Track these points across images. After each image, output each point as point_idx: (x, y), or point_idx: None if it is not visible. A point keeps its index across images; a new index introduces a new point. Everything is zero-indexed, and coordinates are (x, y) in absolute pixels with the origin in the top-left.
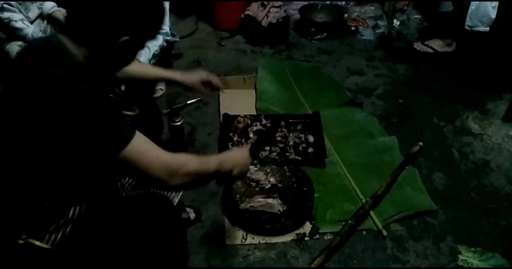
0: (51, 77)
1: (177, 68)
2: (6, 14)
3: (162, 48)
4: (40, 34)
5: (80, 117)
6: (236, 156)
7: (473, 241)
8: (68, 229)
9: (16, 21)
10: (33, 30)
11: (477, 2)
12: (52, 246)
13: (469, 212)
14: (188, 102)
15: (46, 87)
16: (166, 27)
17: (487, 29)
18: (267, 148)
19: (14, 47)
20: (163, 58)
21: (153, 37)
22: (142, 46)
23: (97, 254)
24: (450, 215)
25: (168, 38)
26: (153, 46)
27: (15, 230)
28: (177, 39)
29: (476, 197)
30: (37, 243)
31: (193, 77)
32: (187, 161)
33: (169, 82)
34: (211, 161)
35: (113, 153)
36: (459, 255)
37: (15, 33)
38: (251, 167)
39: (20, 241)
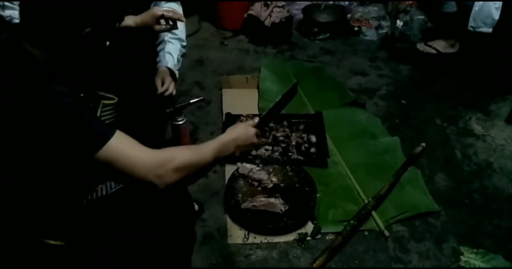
0: (17, 82)
1: (181, 68)
2: (7, 12)
3: (183, 53)
4: None
5: (50, 120)
6: (239, 137)
7: (475, 242)
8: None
9: (18, 19)
10: None
11: (481, 3)
12: (62, 242)
13: (472, 213)
14: (191, 101)
15: (13, 92)
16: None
17: (490, 30)
18: (269, 147)
19: None
20: None
21: (115, 23)
22: (107, 35)
23: (109, 243)
24: (452, 216)
25: (184, 43)
26: (175, 51)
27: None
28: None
29: (479, 199)
30: (52, 242)
31: (144, 16)
32: (175, 155)
33: (129, 30)
34: (205, 149)
35: (88, 154)
36: (461, 256)
37: None
38: (253, 166)
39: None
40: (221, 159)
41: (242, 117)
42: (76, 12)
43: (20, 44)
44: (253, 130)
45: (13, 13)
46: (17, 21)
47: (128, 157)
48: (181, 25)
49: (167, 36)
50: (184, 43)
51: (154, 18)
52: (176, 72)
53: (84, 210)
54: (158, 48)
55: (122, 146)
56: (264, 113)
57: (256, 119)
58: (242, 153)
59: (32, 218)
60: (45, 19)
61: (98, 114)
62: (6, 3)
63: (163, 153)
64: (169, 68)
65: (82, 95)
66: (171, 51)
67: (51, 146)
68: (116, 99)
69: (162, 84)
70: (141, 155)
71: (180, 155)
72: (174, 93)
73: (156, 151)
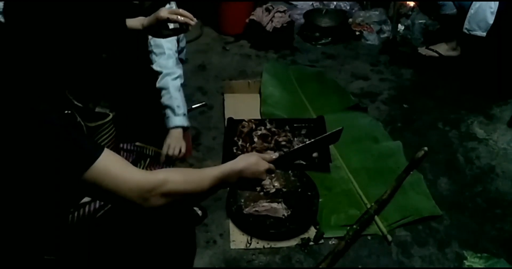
0: None
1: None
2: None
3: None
4: None
5: (34, 139)
6: (248, 169)
7: (478, 246)
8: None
9: None
10: None
11: (477, 6)
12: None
13: (475, 218)
14: (193, 106)
15: None
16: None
17: (484, 34)
18: (272, 152)
19: None
20: None
21: (92, 41)
22: (90, 52)
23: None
24: (455, 221)
25: (177, 77)
26: (175, 99)
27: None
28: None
29: (482, 203)
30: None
31: (150, 18)
32: (167, 179)
33: (137, 33)
34: (204, 177)
35: (75, 175)
36: (465, 261)
37: None
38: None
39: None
40: (220, 188)
41: (244, 122)
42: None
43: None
44: (265, 166)
45: None
46: None
47: (118, 177)
48: (170, 43)
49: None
50: (176, 76)
51: (159, 21)
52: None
53: (75, 225)
54: (158, 85)
55: (110, 166)
56: (289, 150)
57: (275, 155)
58: (243, 185)
59: (18, 234)
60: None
61: (95, 132)
62: None
63: (154, 176)
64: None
65: (68, 112)
66: (171, 103)
67: (36, 167)
68: (111, 114)
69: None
70: (129, 176)
71: (172, 182)
72: (183, 153)
73: (146, 173)
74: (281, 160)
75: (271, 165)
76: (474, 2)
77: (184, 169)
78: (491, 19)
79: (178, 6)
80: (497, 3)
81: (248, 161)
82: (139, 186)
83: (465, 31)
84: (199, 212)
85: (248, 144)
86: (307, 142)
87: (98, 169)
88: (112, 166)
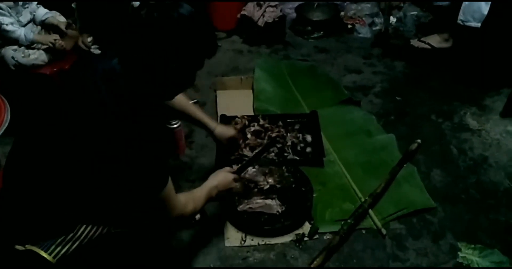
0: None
1: None
2: None
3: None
4: (32, 36)
5: (134, 153)
6: (220, 183)
7: (472, 238)
8: (72, 247)
9: (6, 24)
10: (25, 31)
11: None
12: (54, 260)
13: (469, 209)
14: None
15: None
16: None
17: (478, 25)
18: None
19: (9, 51)
20: None
21: (199, 64)
22: (196, 67)
23: None
24: (449, 212)
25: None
26: None
27: (26, 234)
28: None
29: (475, 194)
30: (42, 253)
31: (225, 134)
32: (185, 208)
33: (201, 126)
34: (201, 197)
35: (156, 192)
36: (459, 252)
37: (6, 36)
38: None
39: (21, 247)
40: (208, 203)
41: (237, 119)
42: (164, 46)
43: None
44: (231, 176)
45: (1, 18)
46: (6, 26)
47: (173, 199)
48: None
49: None
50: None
51: (228, 139)
52: None
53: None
54: None
55: (171, 188)
56: (244, 162)
57: (236, 167)
58: (222, 195)
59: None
60: (141, 50)
61: None
62: None
63: (181, 204)
64: None
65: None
66: None
67: (124, 176)
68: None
69: None
70: (178, 203)
71: (189, 209)
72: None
73: (178, 202)
74: (242, 168)
75: (235, 175)
76: None
77: (191, 196)
78: (485, 10)
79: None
80: None
81: (218, 178)
82: (177, 212)
83: (460, 22)
84: (197, 216)
85: (241, 141)
86: (258, 150)
87: (167, 189)
88: (171, 187)
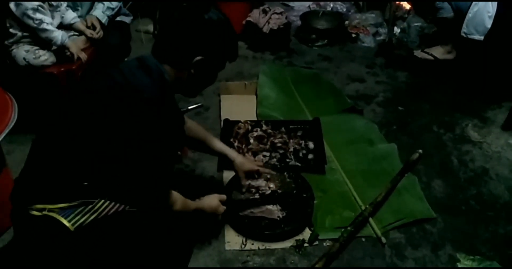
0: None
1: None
2: (38, 16)
3: (116, 6)
4: (67, 40)
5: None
6: (208, 209)
7: (471, 249)
8: (90, 218)
9: (47, 23)
10: (62, 34)
11: (475, 10)
12: (73, 227)
13: (468, 220)
14: (189, 107)
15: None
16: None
17: (481, 38)
18: (267, 154)
19: (21, 52)
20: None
21: (222, 65)
22: (218, 67)
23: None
24: (449, 223)
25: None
26: (107, 1)
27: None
28: (130, 18)
29: (475, 205)
30: (63, 220)
31: (244, 167)
32: (174, 204)
33: (221, 156)
34: (190, 208)
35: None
36: (458, 263)
37: (41, 35)
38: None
39: (38, 213)
40: (195, 214)
41: (240, 124)
42: (191, 40)
43: (155, 62)
44: (221, 210)
45: (43, 17)
46: (46, 25)
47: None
48: None
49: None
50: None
51: (247, 171)
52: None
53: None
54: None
55: None
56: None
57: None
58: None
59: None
60: (171, 42)
61: None
62: (39, 8)
63: (172, 199)
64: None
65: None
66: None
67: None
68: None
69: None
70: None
71: (176, 208)
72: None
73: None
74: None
75: (223, 207)
76: (472, 6)
77: (184, 200)
78: (489, 23)
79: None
80: (495, 7)
81: (210, 205)
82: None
83: (463, 34)
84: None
85: (244, 146)
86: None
87: None
88: None
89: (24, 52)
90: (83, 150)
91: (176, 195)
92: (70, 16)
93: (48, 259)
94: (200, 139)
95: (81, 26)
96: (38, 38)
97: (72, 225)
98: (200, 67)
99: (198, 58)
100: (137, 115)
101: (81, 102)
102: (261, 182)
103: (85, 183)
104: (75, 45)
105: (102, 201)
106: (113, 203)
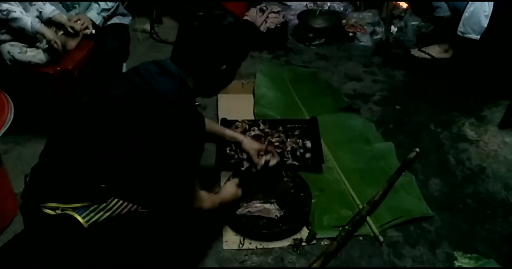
0: (166, 93)
1: None
2: (4, 6)
3: (112, 6)
4: (38, 25)
5: (177, 134)
6: (229, 199)
7: (469, 247)
8: (103, 216)
9: (15, 11)
10: (32, 20)
11: (471, 9)
12: (87, 224)
13: (465, 219)
14: None
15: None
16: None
17: (478, 37)
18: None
19: (6, 46)
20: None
21: (243, 59)
22: (236, 70)
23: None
24: (446, 221)
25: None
26: (102, 2)
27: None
28: (129, 19)
29: (472, 204)
30: (77, 216)
31: (253, 145)
32: (203, 203)
33: (233, 141)
34: (216, 203)
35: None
36: (455, 261)
37: (13, 26)
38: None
39: (52, 212)
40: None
41: (237, 123)
42: (218, 52)
43: (176, 68)
44: (239, 194)
45: (10, 7)
46: (14, 13)
47: (197, 190)
48: None
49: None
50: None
51: (257, 151)
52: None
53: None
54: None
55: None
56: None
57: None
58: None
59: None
60: (197, 53)
61: None
62: None
63: (201, 198)
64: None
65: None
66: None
67: (163, 147)
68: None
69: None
70: (198, 195)
71: (205, 207)
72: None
73: (199, 194)
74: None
75: (241, 190)
76: (468, 6)
77: (210, 197)
78: (485, 23)
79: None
80: (491, 6)
81: (229, 193)
82: (198, 203)
83: (459, 34)
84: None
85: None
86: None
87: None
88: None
89: (9, 46)
90: (104, 153)
91: (204, 195)
92: (49, 9)
93: (59, 255)
94: (215, 133)
95: (61, 18)
96: (21, 36)
97: (86, 222)
98: (223, 74)
99: (223, 67)
100: (163, 119)
101: (103, 106)
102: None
103: (103, 185)
104: (51, 32)
105: (116, 200)
106: (126, 203)
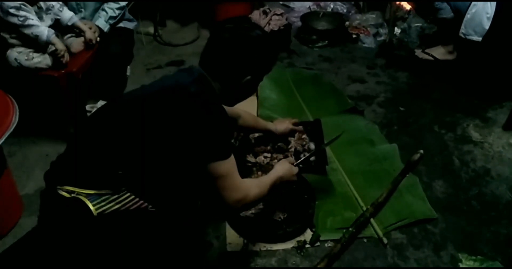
0: (196, 97)
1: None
2: (22, 13)
3: (119, 14)
4: (52, 36)
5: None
6: (285, 175)
7: (473, 249)
8: (112, 208)
9: (32, 19)
10: (48, 30)
11: (473, 11)
12: (96, 212)
13: (470, 220)
14: None
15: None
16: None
17: (480, 39)
18: (268, 155)
19: (14, 53)
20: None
21: (267, 72)
22: (258, 82)
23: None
24: (450, 223)
25: (119, 10)
26: (110, 9)
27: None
28: (134, 24)
29: (477, 205)
30: (88, 203)
31: (283, 126)
32: (249, 191)
33: (264, 132)
34: (267, 184)
35: (208, 160)
36: (460, 263)
37: (26, 32)
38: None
39: (67, 194)
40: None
41: None
42: (244, 63)
43: (206, 76)
44: (295, 170)
45: (27, 14)
46: (31, 21)
47: (231, 179)
48: None
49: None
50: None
51: (289, 130)
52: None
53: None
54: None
55: (232, 169)
56: (303, 157)
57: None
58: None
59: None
60: (226, 64)
61: None
62: (22, 6)
63: (245, 186)
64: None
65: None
66: (106, 9)
67: (186, 144)
68: None
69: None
70: (240, 184)
71: (253, 193)
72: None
73: (241, 182)
74: (302, 163)
75: (297, 169)
76: (470, 7)
77: (256, 181)
78: (487, 24)
79: (177, 9)
80: (493, 8)
81: (284, 168)
82: (240, 194)
83: (461, 35)
84: None
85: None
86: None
87: (225, 166)
88: (233, 169)
89: (16, 53)
90: (128, 143)
91: (247, 182)
92: (68, 15)
93: (67, 241)
94: (252, 127)
95: (83, 26)
96: (30, 41)
97: (96, 210)
98: (247, 85)
99: (248, 78)
100: (188, 116)
101: (130, 102)
102: None
103: (120, 172)
104: (61, 43)
105: (128, 194)
106: (136, 199)
